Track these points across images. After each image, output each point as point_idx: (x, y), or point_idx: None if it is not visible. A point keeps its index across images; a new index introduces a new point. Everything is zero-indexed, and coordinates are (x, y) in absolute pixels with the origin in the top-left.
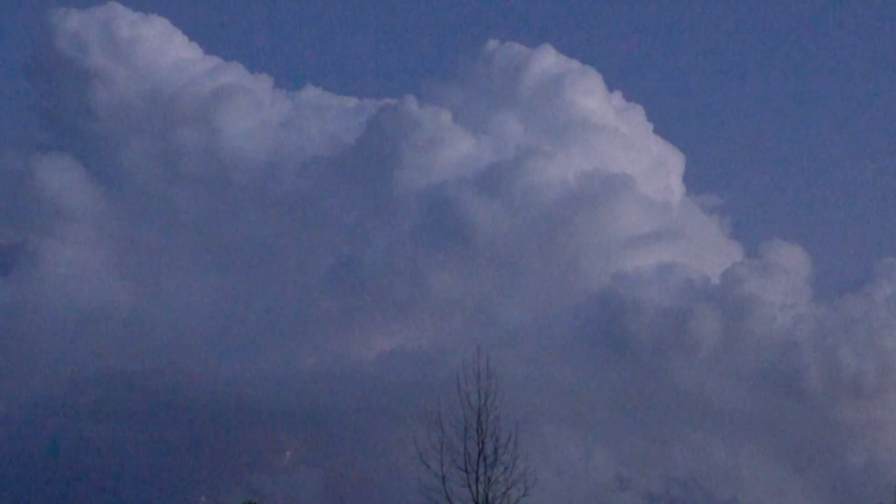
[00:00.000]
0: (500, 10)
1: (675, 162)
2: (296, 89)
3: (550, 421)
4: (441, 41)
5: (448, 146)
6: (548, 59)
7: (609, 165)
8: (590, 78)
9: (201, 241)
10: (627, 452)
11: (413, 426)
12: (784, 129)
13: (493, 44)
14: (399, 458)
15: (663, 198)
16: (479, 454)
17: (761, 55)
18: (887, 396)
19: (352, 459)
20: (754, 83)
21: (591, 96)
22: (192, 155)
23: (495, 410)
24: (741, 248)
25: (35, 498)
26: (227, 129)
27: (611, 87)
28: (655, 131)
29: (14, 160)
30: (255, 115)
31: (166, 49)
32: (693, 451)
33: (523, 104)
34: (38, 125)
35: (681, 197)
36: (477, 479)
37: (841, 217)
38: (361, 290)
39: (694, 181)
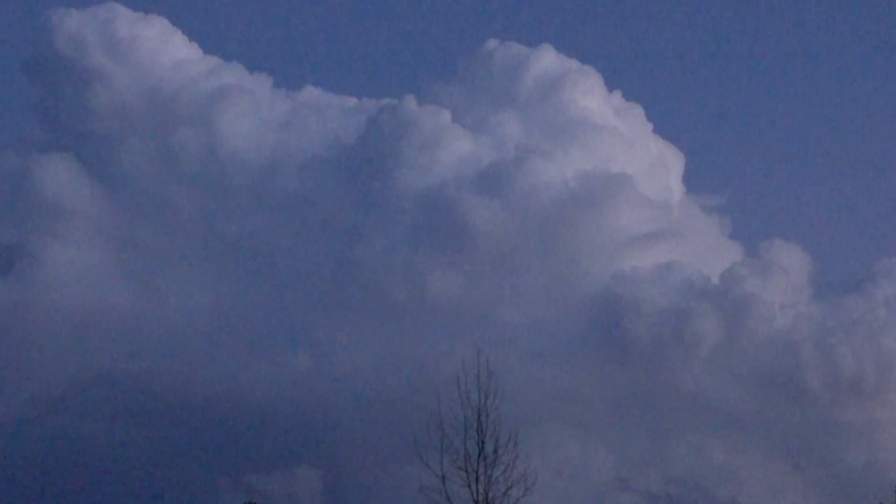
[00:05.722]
0: (499, 10)
1: (675, 162)
2: (295, 89)
3: (550, 421)
4: (440, 41)
5: (447, 146)
6: (547, 59)
7: (608, 165)
8: (589, 78)
9: (201, 241)
10: (627, 452)
11: (413, 426)
12: (784, 129)
13: (492, 43)
14: (399, 458)
15: (663, 197)
16: (479, 454)
17: (761, 55)
18: (887, 396)
19: (352, 459)
20: (754, 83)
21: (591, 96)
22: (192, 155)
23: (495, 410)
24: (741, 247)
25: (35, 498)
26: (226, 129)
27: (610, 86)
28: (655, 131)
29: (13, 160)
30: (254, 115)
31: (166, 49)
32: (693, 451)
33: (523, 104)
34: (37, 125)
35: (680, 197)
36: (477, 479)
37: (841, 217)
38: (360, 290)
39: (693, 181)
